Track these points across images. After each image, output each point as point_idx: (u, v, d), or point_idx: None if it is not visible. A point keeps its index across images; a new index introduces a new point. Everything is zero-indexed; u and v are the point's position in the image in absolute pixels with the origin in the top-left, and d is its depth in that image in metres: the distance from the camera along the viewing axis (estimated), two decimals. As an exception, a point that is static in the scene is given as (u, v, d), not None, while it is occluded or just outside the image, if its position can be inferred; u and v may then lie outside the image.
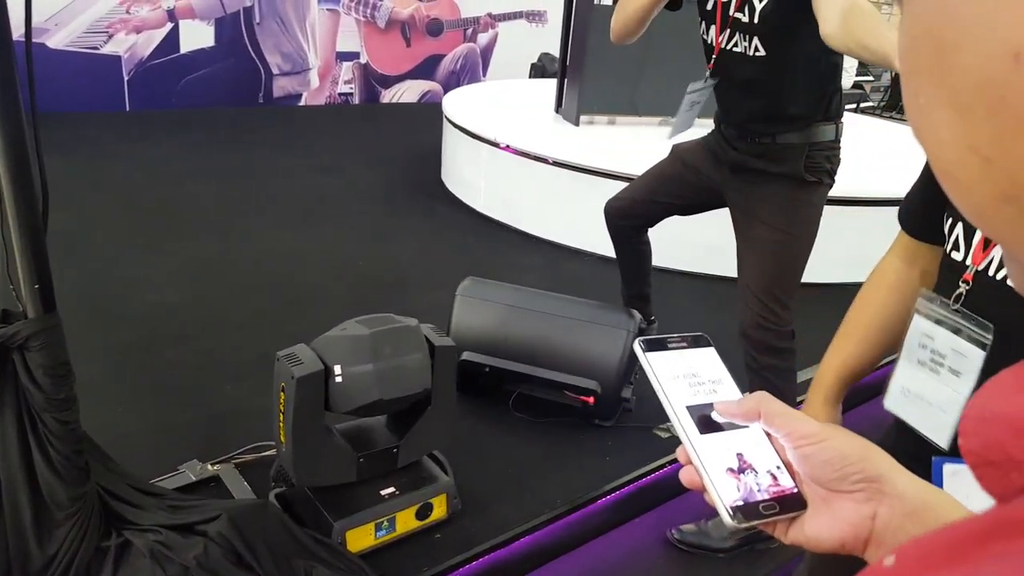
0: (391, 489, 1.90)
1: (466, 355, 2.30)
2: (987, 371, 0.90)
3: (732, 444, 0.52)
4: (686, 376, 0.55)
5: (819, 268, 3.64)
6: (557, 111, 4.64)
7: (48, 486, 1.51)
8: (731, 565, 2.01)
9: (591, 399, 2.26)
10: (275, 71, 6.56)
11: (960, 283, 0.91)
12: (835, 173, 2.10)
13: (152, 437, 2.21)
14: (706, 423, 0.53)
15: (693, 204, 2.24)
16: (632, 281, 2.67)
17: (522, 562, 1.93)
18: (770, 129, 1.97)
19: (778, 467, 0.52)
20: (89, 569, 1.52)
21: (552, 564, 1.98)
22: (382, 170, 4.97)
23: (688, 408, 0.53)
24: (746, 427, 0.53)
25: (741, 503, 0.50)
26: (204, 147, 5.19)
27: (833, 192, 3.67)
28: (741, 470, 0.51)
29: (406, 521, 1.90)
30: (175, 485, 1.95)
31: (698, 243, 3.45)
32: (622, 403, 2.36)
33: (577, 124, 4.36)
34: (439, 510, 1.94)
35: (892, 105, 9.12)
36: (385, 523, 1.87)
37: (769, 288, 2.01)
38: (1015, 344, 0.87)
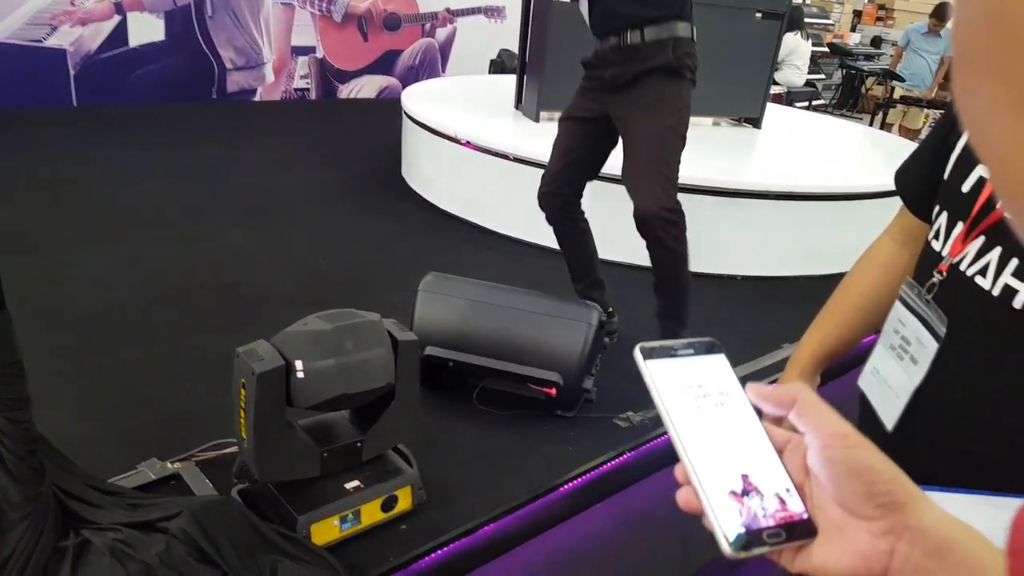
0: (355, 482, 1.90)
1: (429, 350, 2.31)
2: (936, 364, 0.90)
3: (738, 463, 0.47)
4: (690, 387, 0.49)
5: (770, 263, 3.75)
6: (517, 107, 4.66)
7: (0, 488, 1.48)
8: (688, 548, 2.06)
9: (553, 391, 2.29)
10: (228, 66, 6.46)
11: (935, 273, 0.90)
12: (696, 71, 2.46)
13: (109, 438, 2.17)
14: (710, 439, 0.47)
15: (596, 147, 2.59)
16: (583, 269, 2.79)
17: (486, 550, 1.95)
18: (637, 22, 2.37)
19: (787, 490, 0.46)
20: (46, 570, 1.50)
21: (516, 551, 2.01)
22: (341, 167, 4.94)
23: (690, 423, 0.48)
24: (756, 442, 0.48)
25: (742, 530, 0.44)
26: (156, 144, 5.09)
27: (783, 186, 3.79)
28: (745, 492, 0.45)
29: (371, 513, 1.91)
30: (134, 484, 1.92)
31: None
32: (584, 394, 2.40)
33: (537, 120, 4.39)
34: (404, 502, 1.95)
35: (843, 103, 9.36)
36: (350, 516, 1.88)
37: (659, 168, 2.40)
38: (963, 343, 0.87)
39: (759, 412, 0.50)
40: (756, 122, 4.97)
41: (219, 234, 3.70)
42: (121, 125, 5.39)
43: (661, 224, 2.44)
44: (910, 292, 0.96)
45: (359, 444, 1.89)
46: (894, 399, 0.97)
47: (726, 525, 0.44)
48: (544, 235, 3.76)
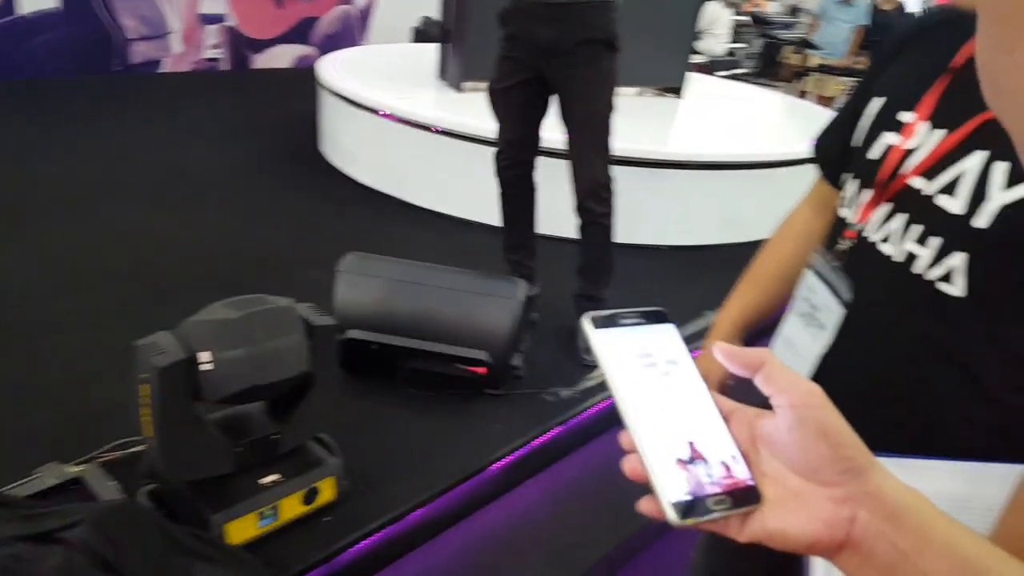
0: (273, 476, 1.82)
1: (352, 333, 2.23)
2: (842, 330, 0.90)
3: (684, 431, 0.47)
4: (638, 356, 0.49)
5: (693, 232, 3.79)
6: (440, 77, 4.54)
7: None
8: (618, 516, 2.06)
9: (482, 369, 2.24)
10: (131, 35, 6.08)
11: (843, 240, 0.91)
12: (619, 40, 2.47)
13: (3, 441, 2.01)
14: (657, 406, 0.47)
15: (540, 106, 2.57)
16: (524, 238, 2.78)
17: (414, 535, 1.90)
18: None
19: (733, 456, 0.46)
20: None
21: (447, 534, 1.97)
22: (254, 141, 4.72)
23: (636, 391, 0.48)
24: (703, 410, 0.48)
25: (689, 498, 0.44)
26: (53, 122, 4.75)
27: (704, 156, 3.81)
28: (692, 460, 0.45)
29: (292, 507, 1.83)
30: (30, 492, 1.79)
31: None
32: (512, 371, 2.36)
33: (460, 90, 4.28)
34: (327, 493, 1.88)
35: (762, 71, 9.53)
36: (268, 511, 1.80)
37: (601, 146, 2.46)
38: (867, 308, 0.88)
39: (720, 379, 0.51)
40: (678, 92, 4.98)
41: (126, 216, 3.48)
42: (13, 102, 5.01)
43: (599, 203, 2.49)
44: (819, 259, 0.96)
45: (276, 436, 1.81)
46: (802, 364, 0.97)
47: (671, 492, 0.44)
48: (471, 208, 3.71)
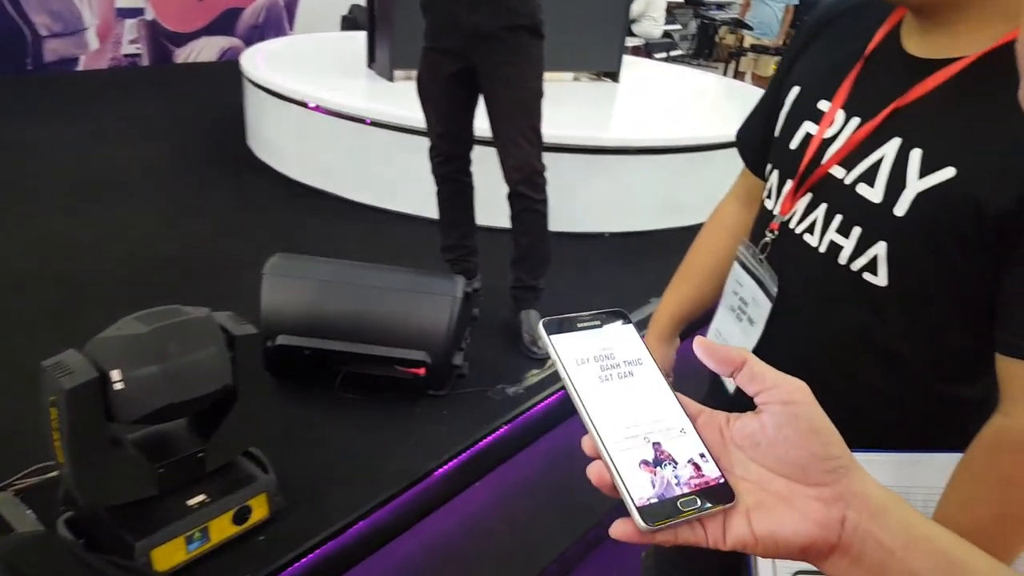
0: (200, 497, 1.71)
1: (281, 339, 2.12)
2: (770, 323, 0.89)
3: (649, 432, 0.45)
4: (598, 358, 0.47)
5: (635, 218, 3.76)
6: (370, 66, 4.40)
7: None
8: (570, 514, 2.01)
9: (422, 370, 2.16)
10: (44, 33, 5.74)
11: (767, 232, 0.90)
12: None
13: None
14: (619, 409, 0.46)
15: (471, 96, 2.48)
16: (464, 235, 2.73)
17: (356, 549, 1.82)
18: None
19: (702, 455, 0.45)
20: None
21: (391, 545, 1.89)
22: (178, 139, 4.51)
23: (597, 395, 0.46)
24: (668, 411, 0.46)
25: (655, 500, 0.42)
26: (-42, 123, 4.45)
27: (642, 141, 3.77)
28: (658, 462, 0.44)
29: (222, 528, 1.73)
30: (-71, 530, 1.64)
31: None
32: (454, 370, 2.28)
33: (392, 79, 4.15)
34: (259, 511, 1.78)
35: (699, 52, 9.60)
36: (197, 534, 1.69)
37: (531, 133, 2.38)
38: (794, 301, 0.87)
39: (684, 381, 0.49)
40: (614, 76, 4.94)
41: (40, 221, 3.27)
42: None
43: (533, 189, 2.44)
44: (746, 252, 0.95)
45: (200, 454, 1.70)
46: None
47: (638, 496, 0.42)
48: (405, 202, 3.61)
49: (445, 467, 2.02)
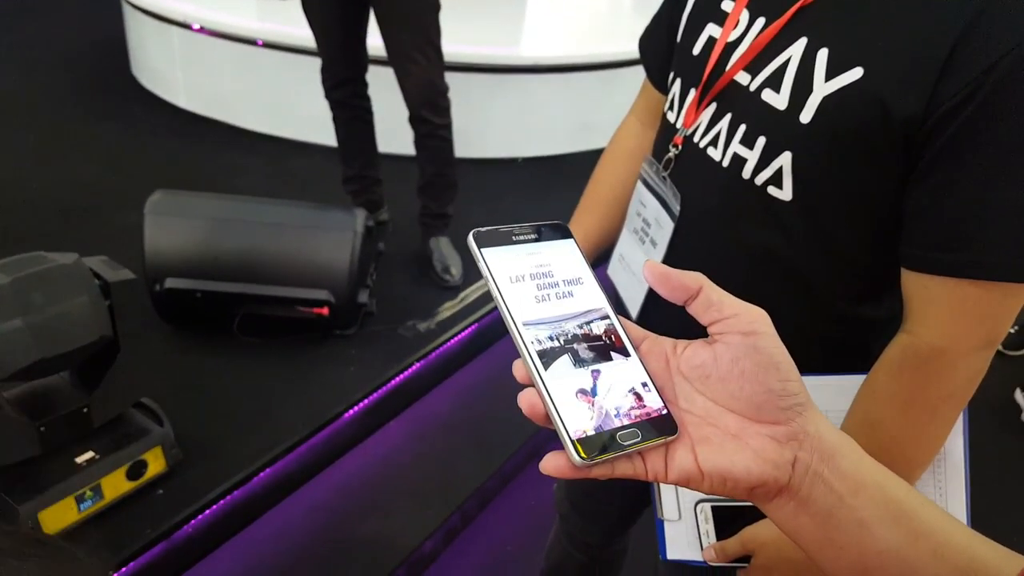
0: (89, 454, 1.61)
1: (170, 282, 1.97)
2: (674, 247, 0.85)
3: (588, 359, 0.42)
4: (534, 276, 0.44)
5: (549, 141, 3.67)
6: (260, -17, 4.07)
7: None
8: (486, 447, 2.00)
9: (325, 310, 2.06)
10: None
11: (670, 147, 0.84)
12: None
13: None
14: (558, 334, 0.42)
15: (359, 14, 2.29)
16: (365, 165, 2.59)
17: (265, 498, 1.76)
18: None
19: (644, 384, 0.42)
20: None
21: (302, 490, 1.83)
22: (55, 69, 4.10)
23: (533, 316, 0.42)
24: (609, 336, 0.43)
25: (593, 433, 0.39)
26: None
27: (556, 59, 3.64)
28: (596, 391, 0.41)
29: (115, 485, 1.63)
30: None
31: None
32: (361, 308, 2.20)
33: (285, -3, 3.87)
34: (156, 465, 1.69)
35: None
36: (88, 493, 1.59)
37: (427, 49, 2.22)
38: (698, 219, 0.82)
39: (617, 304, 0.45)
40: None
41: None
42: None
43: (435, 112, 2.31)
44: (649, 170, 0.90)
45: (85, 409, 1.58)
46: (638, 285, 0.93)
47: (573, 428, 0.39)
48: (305, 130, 3.41)
49: (354, 409, 1.96)
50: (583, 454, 0.38)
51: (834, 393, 0.80)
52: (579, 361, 0.42)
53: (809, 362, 0.82)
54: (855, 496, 0.39)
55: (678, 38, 0.86)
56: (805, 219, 0.74)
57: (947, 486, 0.81)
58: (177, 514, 1.63)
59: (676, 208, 0.83)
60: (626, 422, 0.40)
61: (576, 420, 0.39)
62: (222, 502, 1.69)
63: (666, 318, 0.87)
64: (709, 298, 0.41)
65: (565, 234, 0.47)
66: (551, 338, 0.42)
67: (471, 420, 2.09)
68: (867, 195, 0.71)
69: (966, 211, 0.65)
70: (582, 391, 0.41)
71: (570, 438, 0.39)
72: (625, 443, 0.39)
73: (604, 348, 0.43)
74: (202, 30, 3.39)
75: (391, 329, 2.27)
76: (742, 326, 0.40)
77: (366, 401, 2.00)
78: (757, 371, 0.39)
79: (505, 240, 0.45)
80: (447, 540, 1.83)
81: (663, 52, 0.92)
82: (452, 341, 2.25)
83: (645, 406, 0.41)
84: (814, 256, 0.76)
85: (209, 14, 3.41)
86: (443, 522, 1.79)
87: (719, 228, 0.80)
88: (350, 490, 1.86)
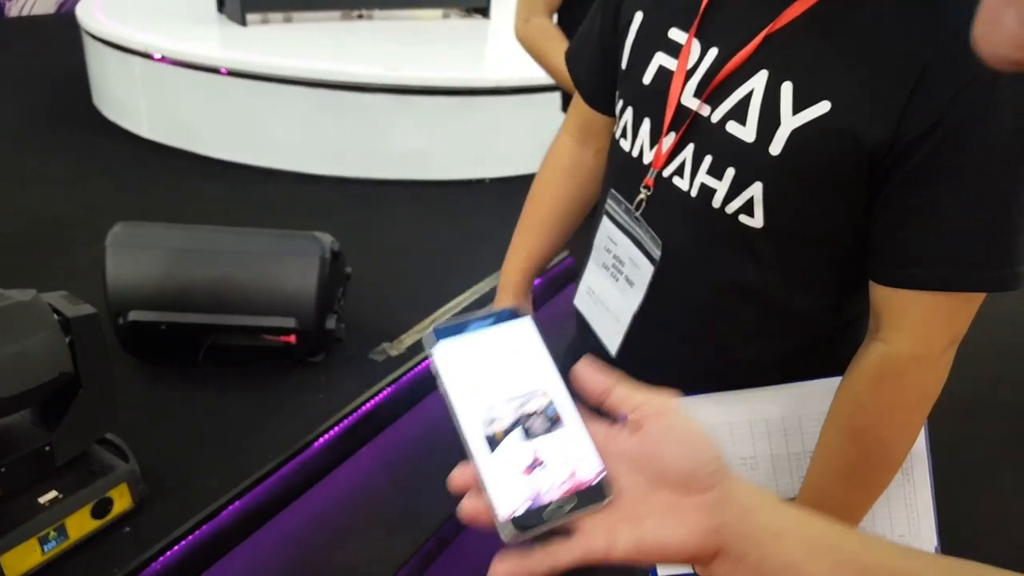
0: (52, 494, 1.57)
1: (134, 315, 1.95)
2: (654, 286, 0.85)
3: (533, 437, 0.43)
4: (487, 361, 0.45)
5: (514, 161, 3.69)
6: (220, 11, 4.07)
7: None
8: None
9: (292, 338, 2.05)
10: None
11: (641, 188, 0.84)
12: None
13: None
14: (500, 415, 0.44)
15: None
16: None
17: (235, 531, 1.73)
18: None
19: (584, 456, 0.43)
20: None
21: (273, 522, 1.81)
22: (14, 100, 4.06)
23: (479, 405, 0.44)
24: (560, 412, 0.45)
25: (522, 513, 0.40)
26: None
27: (521, 80, 3.67)
28: (534, 466, 0.42)
29: (80, 524, 1.60)
30: None
31: (402, 149, 3.30)
32: (330, 334, 2.18)
33: (245, 24, 3.87)
34: (122, 502, 1.66)
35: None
36: (52, 533, 1.56)
37: None
38: (676, 255, 0.83)
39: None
40: (485, 12, 4.80)
41: None
42: None
43: None
44: (617, 208, 0.89)
45: (48, 448, 1.55)
46: (615, 323, 0.93)
47: (502, 509, 0.40)
48: (272, 157, 3.40)
49: (324, 437, 1.95)
50: (509, 530, 0.40)
51: (820, 396, 0.83)
52: (523, 440, 0.43)
53: (790, 374, 0.84)
54: (777, 542, 0.42)
55: (622, 64, 0.86)
56: (776, 244, 0.77)
57: (914, 475, 0.86)
58: (145, 551, 1.60)
59: (656, 252, 0.83)
60: (556, 496, 0.41)
61: (507, 500, 0.41)
62: (191, 537, 1.66)
63: (645, 352, 0.89)
64: (619, 393, 0.45)
65: (520, 316, 0.48)
66: (494, 421, 0.43)
67: (444, 444, 2.07)
68: (835, 219, 0.74)
69: (936, 231, 0.69)
70: (527, 467, 0.42)
71: (498, 518, 0.40)
72: (547, 519, 0.41)
73: (550, 424, 0.44)
74: (163, 59, 3.37)
75: (360, 355, 2.26)
76: (653, 410, 0.44)
77: (336, 428, 1.98)
78: (676, 448, 0.43)
79: (460, 331, 0.46)
80: (423, 566, 1.81)
81: (596, 72, 0.93)
82: (423, 364, 2.24)
83: (577, 479, 0.42)
84: (786, 277, 0.79)
85: (171, 43, 3.40)
86: (418, 548, 1.78)
87: (695, 256, 0.82)
88: (322, 520, 1.84)
